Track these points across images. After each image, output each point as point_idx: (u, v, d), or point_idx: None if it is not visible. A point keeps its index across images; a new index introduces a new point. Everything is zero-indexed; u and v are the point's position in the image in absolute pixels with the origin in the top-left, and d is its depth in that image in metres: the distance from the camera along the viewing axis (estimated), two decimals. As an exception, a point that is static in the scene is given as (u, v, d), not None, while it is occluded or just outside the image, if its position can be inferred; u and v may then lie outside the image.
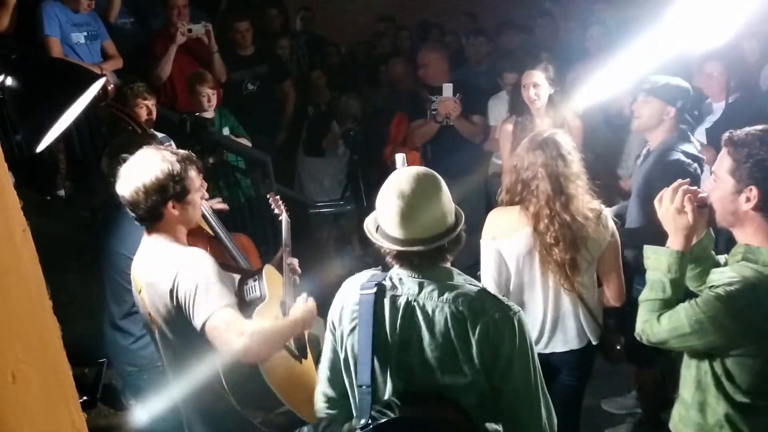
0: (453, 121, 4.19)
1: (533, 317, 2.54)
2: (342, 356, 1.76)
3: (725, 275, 1.73)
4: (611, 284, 2.54)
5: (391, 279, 1.72)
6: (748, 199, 1.68)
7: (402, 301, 1.68)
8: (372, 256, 1.87)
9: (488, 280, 2.53)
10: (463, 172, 3.98)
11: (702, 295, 1.73)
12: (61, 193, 4.35)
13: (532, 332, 2.52)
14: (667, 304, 1.79)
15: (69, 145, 4.18)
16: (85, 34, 4.13)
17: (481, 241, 2.54)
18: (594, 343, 2.58)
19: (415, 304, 1.67)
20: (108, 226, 2.70)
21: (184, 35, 4.28)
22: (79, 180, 4.29)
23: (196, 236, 2.45)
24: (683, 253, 1.78)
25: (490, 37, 5.30)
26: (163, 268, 2.01)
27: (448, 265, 1.74)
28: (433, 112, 4.20)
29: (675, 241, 1.79)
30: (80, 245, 3.24)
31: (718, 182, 1.74)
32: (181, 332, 2.02)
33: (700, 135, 3.19)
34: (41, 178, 4.18)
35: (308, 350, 2.37)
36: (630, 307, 2.80)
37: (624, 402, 3.58)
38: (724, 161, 1.72)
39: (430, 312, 1.65)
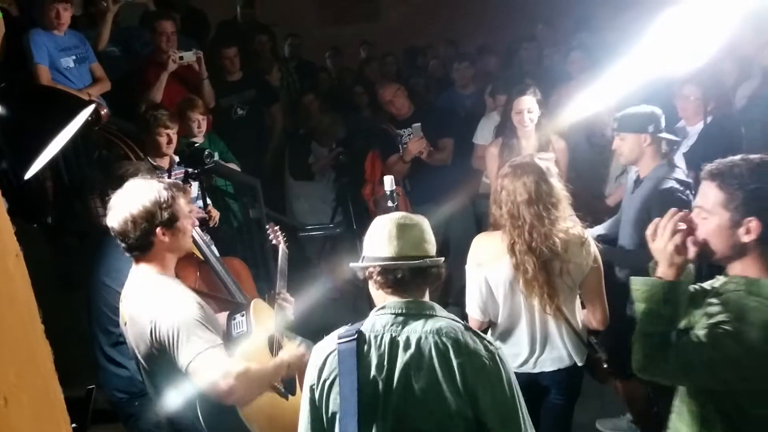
0: (424, 157, 4.26)
1: (521, 339, 2.55)
2: (326, 417, 1.71)
3: (726, 308, 1.67)
4: (595, 308, 2.55)
5: (371, 323, 1.74)
6: (748, 231, 1.63)
7: (386, 339, 1.70)
8: (363, 279, 1.88)
9: (473, 307, 2.56)
10: (446, 196, 4.04)
11: (709, 332, 1.65)
12: (49, 220, 4.33)
13: (521, 353, 2.56)
14: (666, 337, 1.72)
15: (56, 172, 4.18)
16: (74, 57, 4.15)
17: (466, 267, 2.56)
18: (579, 364, 2.58)
19: (399, 339, 1.69)
20: (95, 256, 2.70)
21: (176, 63, 4.30)
22: (67, 207, 4.27)
23: (186, 261, 2.45)
24: (678, 283, 1.73)
25: (474, 62, 5.41)
26: (145, 307, 2.01)
27: (428, 298, 1.81)
28: (404, 147, 4.26)
29: (668, 273, 1.73)
30: (67, 272, 3.23)
31: (711, 217, 1.68)
32: (161, 370, 2.01)
33: (678, 160, 3.25)
34: (28, 206, 4.16)
35: (297, 386, 2.32)
36: (621, 326, 2.83)
37: (618, 423, 3.58)
38: (712, 195, 1.67)
39: (413, 344, 1.67)
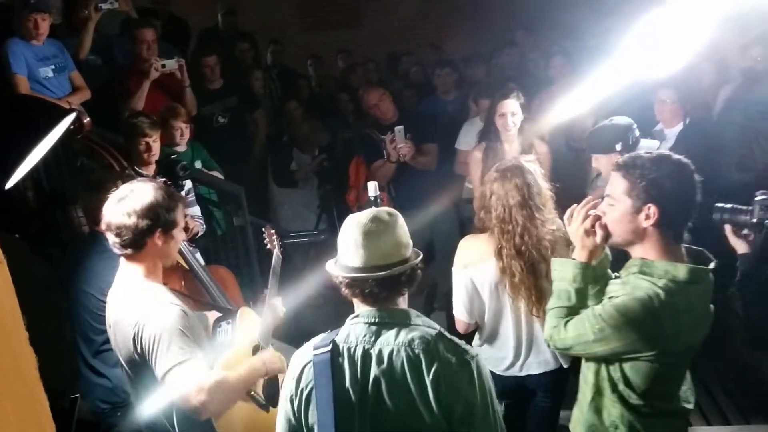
0: (408, 159, 4.25)
1: (507, 342, 2.57)
2: (306, 428, 1.69)
3: (624, 287, 1.85)
4: None
5: (345, 333, 1.70)
6: (647, 217, 1.79)
7: (359, 352, 1.66)
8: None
9: (459, 308, 2.57)
10: (431, 200, 4.05)
11: (603, 306, 1.84)
12: (30, 230, 4.27)
13: (507, 356, 2.57)
14: (572, 312, 1.92)
15: (37, 181, 4.13)
16: (53, 66, 4.11)
17: (453, 268, 2.57)
18: (565, 366, 2.59)
19: (372, 352, 1.65)
20: (77, 265, 2.67)
21: (158, 71, 4.27)
22: (49, 216, 4.23)
23: (171, 269, 2.42)
24: (587, 265, 1.92)
25: (456, 68, 5.44)
26: (129, 311, 1.98)
27: (405, 305, 1.75)
28: (387, 152, 4.24)
29: (580, 255, 1.94)
30: (51, 279, 3.19)
31: (616, 204, 1.85)
32: (142, 375, 1.99)
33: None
34: (9, 216, 4.11)
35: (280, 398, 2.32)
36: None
37: None
38: (618, 184, 1.84)
39: (386, 357, 1.63)
